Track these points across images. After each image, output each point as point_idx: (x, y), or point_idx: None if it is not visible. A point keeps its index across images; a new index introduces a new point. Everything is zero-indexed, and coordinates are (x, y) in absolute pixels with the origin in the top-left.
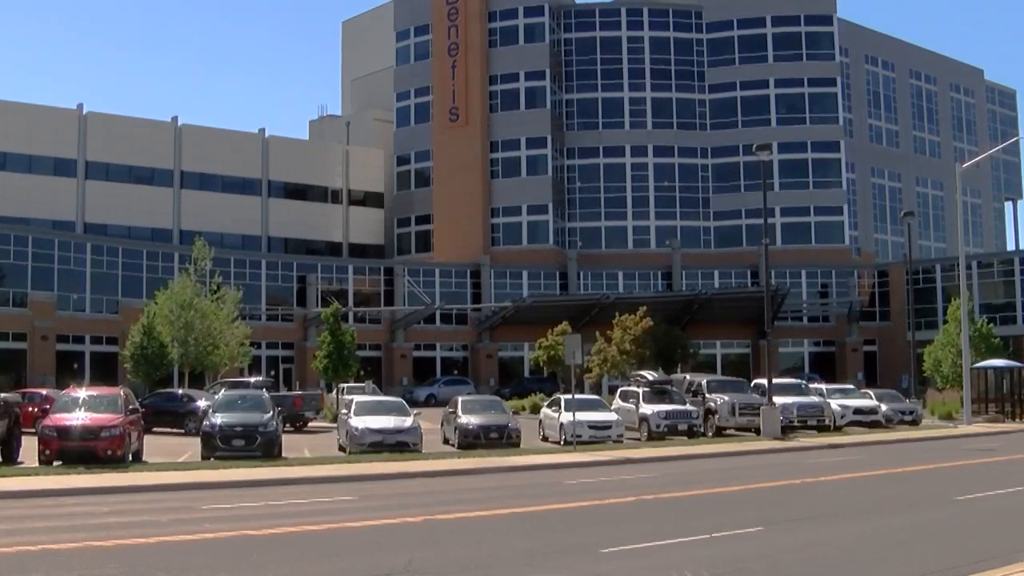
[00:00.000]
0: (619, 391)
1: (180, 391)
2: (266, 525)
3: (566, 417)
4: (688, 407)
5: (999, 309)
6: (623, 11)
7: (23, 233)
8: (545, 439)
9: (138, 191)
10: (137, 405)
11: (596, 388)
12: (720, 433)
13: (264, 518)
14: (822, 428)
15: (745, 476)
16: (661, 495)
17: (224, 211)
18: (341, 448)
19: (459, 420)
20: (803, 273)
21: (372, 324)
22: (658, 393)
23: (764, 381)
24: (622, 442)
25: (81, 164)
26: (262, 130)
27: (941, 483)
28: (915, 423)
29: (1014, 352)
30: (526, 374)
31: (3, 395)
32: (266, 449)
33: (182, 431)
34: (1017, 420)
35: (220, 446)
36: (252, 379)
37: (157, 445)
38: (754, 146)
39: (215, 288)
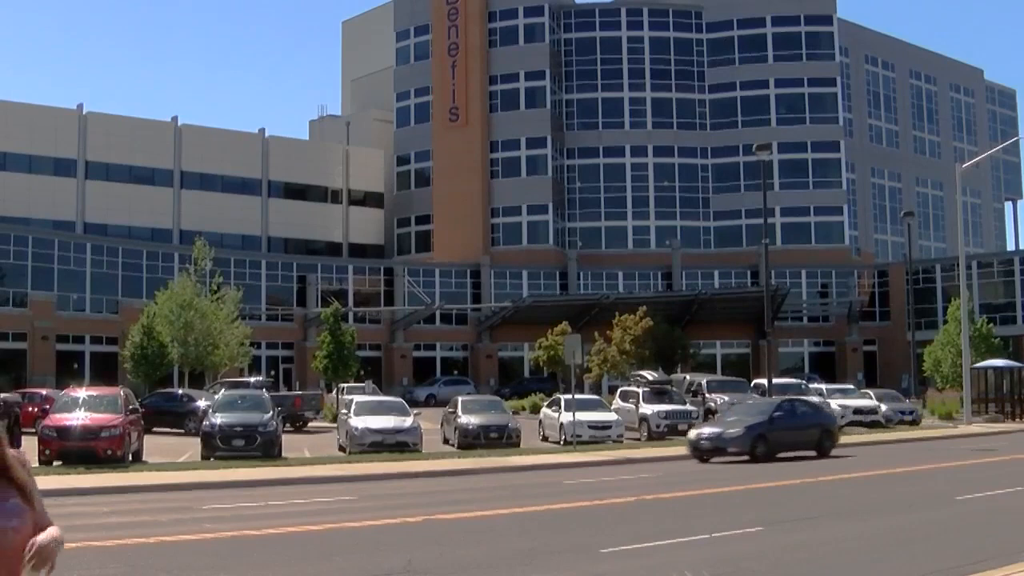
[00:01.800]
0: (619, 391)
1: (180, 391)
2: (266, 525)
3: (566, 417)
4: (688, 407)
5: (999, 309)
6: (623, 11)
7: (23, 233)
8: (545, 439)
9: (138, 191)
10: (137, 405)
11: (596, 388)
12: None
13: (264, 518)
14: None
15: (745, 476)
16: (661, 495)
17: (224, 211)
18: (341, 448)
19: (459, 420)
20: (803, 273)
21: (372, 324)
22: (658, 393)
23: (764, 381)
24: (622, 442)
25: (81, 164)
26: (262, 130)
27: (941, 483)
28: (915, 423)
29: (1014, 352)
30: (526, 374)
31: (3, 395)
32: (266, 449)
33: (182, 431)
34: (1017, 420)
35: (220, 446)
36: (252, 379)
37: (157, 445)
38: (754, 146)
39: (215, 288)
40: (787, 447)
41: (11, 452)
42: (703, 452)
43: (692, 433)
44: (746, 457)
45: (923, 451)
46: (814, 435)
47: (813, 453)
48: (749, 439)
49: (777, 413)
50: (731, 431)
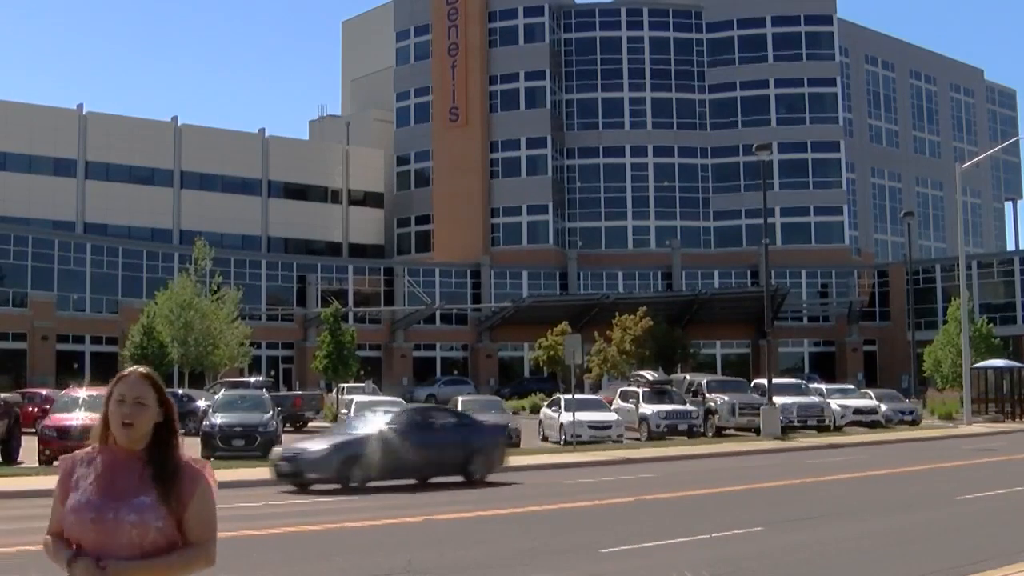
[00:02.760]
0: (619, 391)
1: (180, 391)
2: (266, 525)
3: (566, 417)
4: (688, 407)
5: (999, 309)
6: (623, 11)
7: (23, 233)
8: (545, 439)
9: (138, 191)
10: None
11: (596, 388)
12: (720, 433)
13: (264, 518)
14: (822, 428)
15: (745, 476)
16: (661, 495)
17: (224, 211)
18: None
19: None
20: (803, 273)
21: (372, 324)
22: (658, 393)
23: (764, 381)
24: (622, 442)
25: (81, 164)
26: (262, 130)
27: (941, 483)
28: (915, 423)
29: (1014, 352)
30: (526, 374)
31: (3, 395)
32: (266, 449)
33: (182, 431)
34: (1017, 420)
35: (220, 446)
36: (252, 379)
37: None
38: (754, 146)
39: (215, 288)
40: (408, 471)
41: (187, 458)
42: (285, 476)
43: (275, 451)
44: (337, 485)
45: (923, 451)
46: (456, 456)
47: (460, 478)
48: (336, 460)
49: (392, 427)
50: (314, 448)
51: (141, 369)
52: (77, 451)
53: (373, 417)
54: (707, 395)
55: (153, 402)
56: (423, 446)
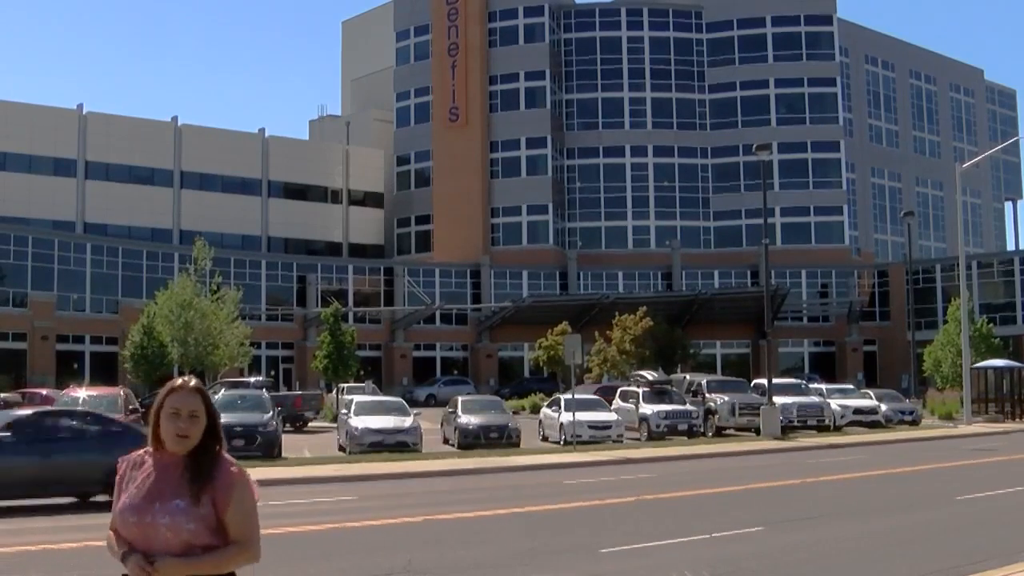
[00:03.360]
0: (619, 391)
1: None
2: (266, 525)
3: (566, 417)
4: (688, 407)
5: (999, 309)
6: (623, 11)
7: (23, 233)
8: (545, 439)
9: (138, 191)
10: (137, 405)
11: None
12: (720, 433)
13: (264, 518)
14: (822, 428)
15: (745, 476)
16: (661, 495)
17: (224, 211)
18: (341, 448)
19: (459, 420)
20: (803, 273)
21: (372, 324)
22: (658, 393)
23: (764, 381)
24: (622, 442)
25: (81, 164)
26: (262, 130)
27: (941, 483)
28: (915, 423)
29: (1014, 352)
30: (526, 374)
31: (3, 395)
32: (266, 449)
33: None
34: (1017, 420)
35: None
36: (252, 379)
37: None
38: (754, 146)
39: (215, 288)
40: (19, 490)
41: (228, 464)
42: None
43: None
44: None
45: (923, 451)
46: (93, 472)
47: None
48: None
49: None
50: None
51: (192, 383)
52: (132, 453)
53: None
54: (707, 395)
55: (203, 414)
56: (41, 458)
